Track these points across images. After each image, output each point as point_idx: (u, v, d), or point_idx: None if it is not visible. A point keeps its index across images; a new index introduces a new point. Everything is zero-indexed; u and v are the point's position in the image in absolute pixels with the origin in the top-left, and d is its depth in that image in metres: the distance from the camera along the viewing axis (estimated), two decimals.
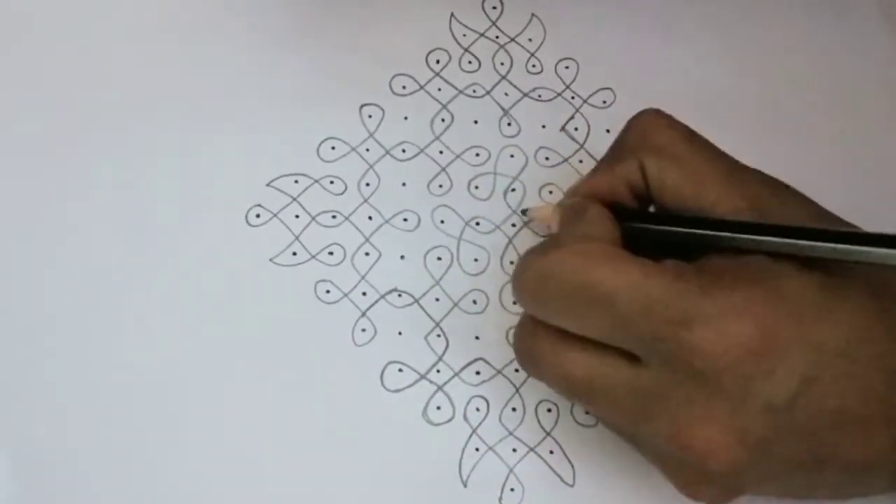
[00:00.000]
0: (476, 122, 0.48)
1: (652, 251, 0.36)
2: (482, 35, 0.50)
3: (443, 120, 0.48)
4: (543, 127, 0.48)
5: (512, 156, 0.47)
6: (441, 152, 0.47)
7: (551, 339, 0.35)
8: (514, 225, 0.46)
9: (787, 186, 0.38)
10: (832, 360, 0.33)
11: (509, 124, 0.48)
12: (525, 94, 0.49)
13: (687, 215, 0.36)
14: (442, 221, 0.45)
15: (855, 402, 0.33)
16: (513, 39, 0.50)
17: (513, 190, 0.46)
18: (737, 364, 0.32)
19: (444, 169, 0.47)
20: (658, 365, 0.33)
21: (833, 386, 0.33)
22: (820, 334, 0.33)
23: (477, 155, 0.47)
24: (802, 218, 0.36)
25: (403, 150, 0.47)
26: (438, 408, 0.42)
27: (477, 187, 0.46)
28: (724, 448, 0.33)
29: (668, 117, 0.38)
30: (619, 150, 0.38)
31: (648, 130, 0.37)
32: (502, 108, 0.48)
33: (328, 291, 0.44)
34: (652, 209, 0.39)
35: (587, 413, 0.42)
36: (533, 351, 0.36)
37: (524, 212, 0.45)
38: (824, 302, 0.33)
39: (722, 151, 0.38)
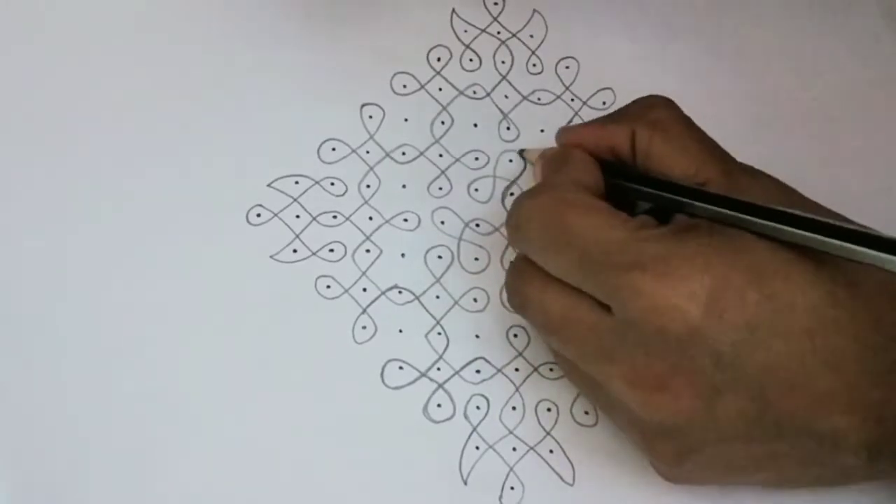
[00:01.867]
0: (475, 125, 0.48)
1: (630, 209, 0.38)
2: (484, 31, 0.50)
3: (443, 122, 0.48)
4: (542, 131, 0.48)
5: (511, 160, 0.47)
6: (441, 155, 0.47)
7: (538, 277, 0.37)
8: None
9: (768, 175, 0.39)
10: (786, 312, 0.32)
11: (508, 128, 0.48)
12: (525, 98, 0.49)
13: (664, 179, 0.38)
14: (442, 222, 0.46)
15: (816, 367, 0.33)
16: (514, 35, 0.50)
17: (511, 193, 0.46)
18: (684, 307, 0.32)
19: (443, 172, 0.47)
20: (618, 309, 0.34)
21: (788, 341, 0.32)
22: (774, 286, 0.33)
23: (476, 159, 0.47)
24: (780, 203, 0.35)
25: (403, 153, 0.47)
26: (439, 405, 0.42)
27: (476, 190, 0.47)
28: (672, 392, 0.33)
29: (673, 103, 0.40)
30: (618, 115, 0.41)
31: (650, 107, 0.40)
32: (502, 112, 0.48)
33: (329, 287, 0.44)
34: None
35: (559, 362, 0.42)
36: (520, 286, 0.38)
37: (521, 152, 0.47)
38: (784, 264, 0.33)
39: (715, 142, 0.40)
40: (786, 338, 0.32)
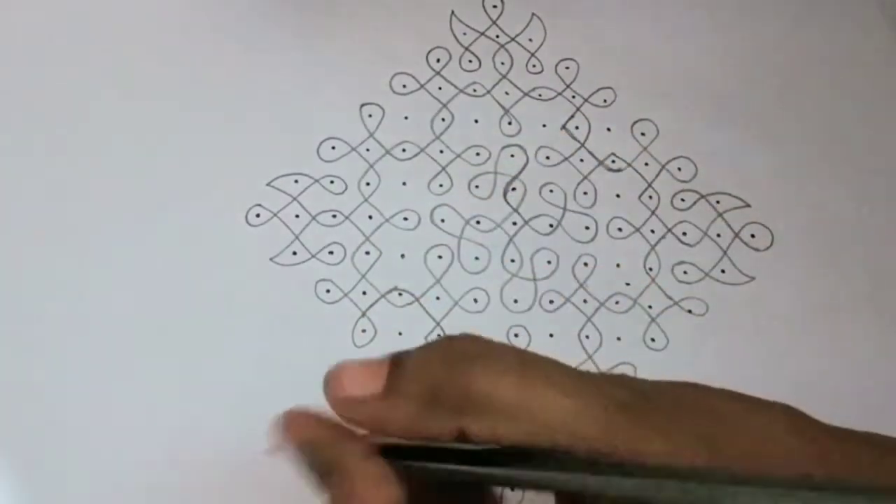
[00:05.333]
0: (476, 121, 0.48)
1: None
2: (482, 34, 0.50)
3: (443, 119, 0.48)
4: (544, 126, 0.48)
5: (512, 155, 0.47)
6: (441, 152, 0.47)
7: None
8: (514, 223, 0.45)
9: (642, 393, 0.27)
10: None
11: (510, 123, 0.48)
12: (525, 94, 0.49)
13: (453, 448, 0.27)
14: (442, 220, 0.45)
15: None
16: (513, 39, 0.50)
17: (513, 189, 0.46)
18: None
19: (444, 168, 0.47)
20: None
21: None
22: None
23: (477, 154, 0.47)
24: (665, 437, 0.26)
25: (403, 150, 0.47)
26: None
27: (477, 186, 0.46)
28: None
29: (494, 351, 0.27)
30: (432, 401, 0.27)
31: (469, 378, 0.26)
32: (503, 107, 0.48)
33: (328, 291, 0.44)
34: None
35: None
36: None
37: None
38: None
39: (563, 372, 0.27)
40: None
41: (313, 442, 0.29)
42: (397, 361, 0.28)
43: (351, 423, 0.28)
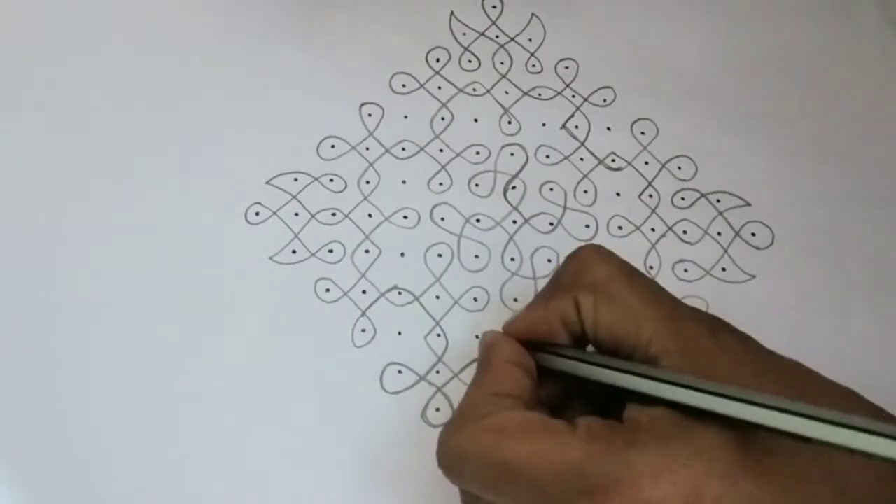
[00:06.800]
0: (476, 120, 0.48)
1: (569, 387, 0.35)
2: (482, 34, 0.51)
3: (443, 118, 0.48)
4: (544, 125, 0.48)
5: (512, 154, 0.47)
6: (441, 150, 0.47)
7: None
8: (514, 222, 0.45)
9: (726, 327, 0.35)
10: None
11: (509, 122, 0.48)
12: (525, 93, 0.49)
13: (605, 364, 0.34)
14: (442, 218, 0.45)
15: None
16: (513, 39, 0.51)
17: (513, 187, 0.46)
18: None
19: (444, 167, 0.47)
20: None
21: None
22: (750, 489, 0.29)
23: (477, 153, 0.47)
24: (736, 362, 0.33)
25: (403, 149, 0.47)
26: (437, 409, 0.42)
27: (477, 185, 0.46)
28: None
29: (608, 253, 0.36)
30: (555, 286, 0.36)
31: (585, 266, 0.35)
32: (502, 107, 0.48)
33: (328, 290, 0.44)
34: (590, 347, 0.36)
35: None
36: None
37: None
38: (748, 457, 0.30)
39: (663, 290, 0.35)
40: None
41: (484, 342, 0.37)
42: None
43: (517, 335, 0.36)
